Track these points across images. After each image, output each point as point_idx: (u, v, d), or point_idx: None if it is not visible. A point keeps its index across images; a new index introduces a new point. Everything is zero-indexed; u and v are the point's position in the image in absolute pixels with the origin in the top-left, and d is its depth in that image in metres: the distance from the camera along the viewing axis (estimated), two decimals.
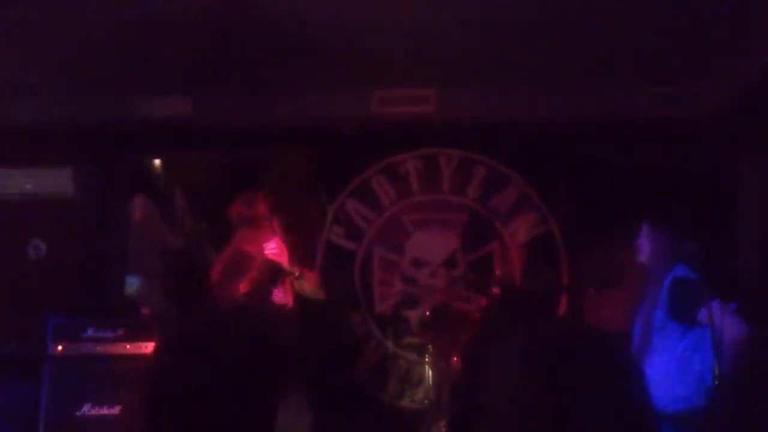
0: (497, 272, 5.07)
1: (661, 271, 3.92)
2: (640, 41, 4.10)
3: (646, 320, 3.94)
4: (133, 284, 5.37)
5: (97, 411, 4.26)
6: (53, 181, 5.05)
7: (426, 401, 4.78)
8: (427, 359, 4.74)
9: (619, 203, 4.94)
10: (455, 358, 4.55)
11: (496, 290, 4.66)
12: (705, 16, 3.75)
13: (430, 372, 4.70)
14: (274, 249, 4.77)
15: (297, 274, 4.80)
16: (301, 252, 5.10)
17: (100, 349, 4.35)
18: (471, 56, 4.34)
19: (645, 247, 3.99)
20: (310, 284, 4.89)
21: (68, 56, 4.34)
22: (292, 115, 4.90)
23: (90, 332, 4.37)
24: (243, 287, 4.63)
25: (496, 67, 4.49)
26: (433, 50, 4.25)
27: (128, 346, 4.32)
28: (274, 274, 4.68)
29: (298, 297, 4.85)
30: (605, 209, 4.99)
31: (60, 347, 4.33)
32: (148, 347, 4.29)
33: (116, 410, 4.24)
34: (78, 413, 4.24)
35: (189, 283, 5.16)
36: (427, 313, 5.07)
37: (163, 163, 5.66)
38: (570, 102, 4.82)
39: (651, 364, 3.79)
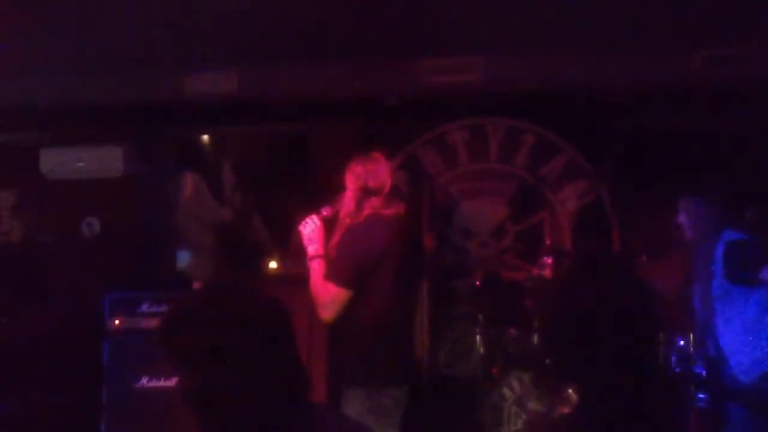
0: (547, 241, 5.02)
1: (710, 240, 3.86)
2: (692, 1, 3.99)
3: (704, 292, 3.88)
4: (184, 259, 5.45)
5: (154, 383, 4.35)
6: (104, 160, 5.11)
7: (477, 371, 4.77)
8: (477, 329, 4.73)
9: (670, 170, 4.85)
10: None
11: (548, 259, 4.61)
12: None
13: (481, 342, 4.69)
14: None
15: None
16: None
17: (156, 322, 4.42)
18: (518, 23, 4.27)
19: (690, 220, 3.94)
20: None
21: (117, 35, 4.38)
22: (339, 87, 4.88)
23: (145, 307, 4.47)
24: None
25: (544, 33, 4.41)
26: (479, 17, 4.18)
27: None
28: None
29: None
30: (656, 176, 4.90)
31: (117, 321, 4.43)
32: None
33: (173, 382, 4.33)
34: (137, 385, 4.35)
35: (239, 256, 5.21)
36: (477, 283, 5.07)
37: (212, 138, 5.70)
38: (619, 67, 4.73)
39: (722, 333, 3.73)
